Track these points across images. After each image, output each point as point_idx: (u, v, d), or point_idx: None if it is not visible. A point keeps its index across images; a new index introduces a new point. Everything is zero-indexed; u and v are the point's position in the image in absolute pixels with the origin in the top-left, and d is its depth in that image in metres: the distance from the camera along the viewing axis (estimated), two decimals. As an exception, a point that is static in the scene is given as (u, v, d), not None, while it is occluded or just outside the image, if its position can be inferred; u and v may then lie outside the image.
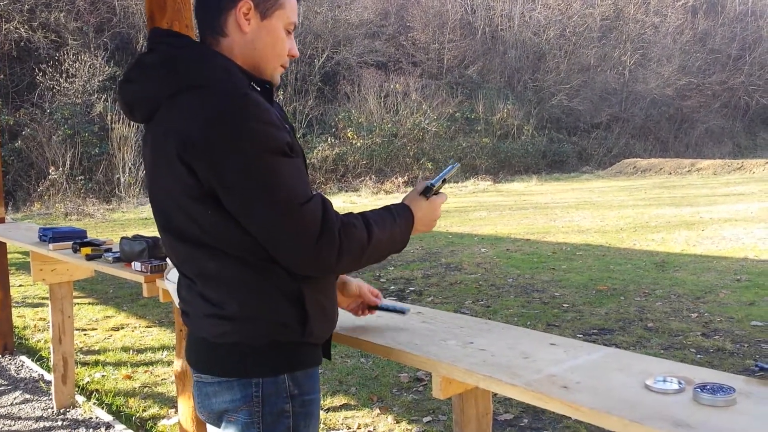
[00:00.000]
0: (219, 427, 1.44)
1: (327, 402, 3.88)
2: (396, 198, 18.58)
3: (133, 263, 2.74)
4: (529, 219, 12.48)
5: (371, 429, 3.50)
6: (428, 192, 1.52)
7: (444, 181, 1.56)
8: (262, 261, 1.32)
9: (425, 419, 3.60)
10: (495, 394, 3.00)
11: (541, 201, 16.17)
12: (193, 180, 1.28)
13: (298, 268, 1.33)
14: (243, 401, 1.37)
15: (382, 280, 7.24)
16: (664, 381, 1.32)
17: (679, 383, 1.31)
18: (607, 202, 15.20)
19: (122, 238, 2.88)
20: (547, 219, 12.39)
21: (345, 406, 3.82)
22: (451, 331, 1.72)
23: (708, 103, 34.57)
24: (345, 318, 1.85)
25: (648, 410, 1.20)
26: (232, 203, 1.27)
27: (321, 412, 3.69)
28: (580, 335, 5.01)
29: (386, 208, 1.48)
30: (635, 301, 6.02)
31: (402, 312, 1.80)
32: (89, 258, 3.03)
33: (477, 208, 14.63)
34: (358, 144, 22.78)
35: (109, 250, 3.08)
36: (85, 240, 3.32)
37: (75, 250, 3.18)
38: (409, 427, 3.49)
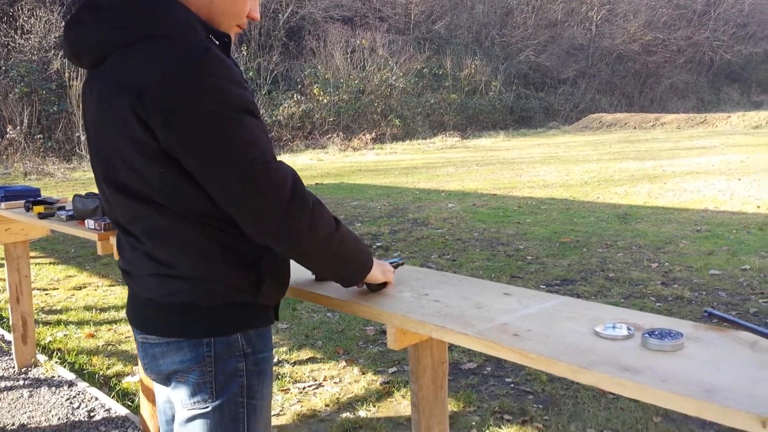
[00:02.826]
0: (168, 386, 1.39)
1: (293, 356, 3.89)
2: (364, 155, 18.49)
3: (86, 221, 2.68)
4: (495, 174, 12.54)
5: (337, 381, 3.53)
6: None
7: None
8: (218, 222, 1.26)
9: (390, 370, 3.64)
10: (457, 345, 3.03)
11: (508, 156, 16.25)
12: (148, 137, 1.19)
13: (266, 232, 1.23)
14: (194, 361, 1.31)
15: (348, 236, 7.24)
16: (614, 327, 1.33)
17: (629, 329, 1.32)
18: (573, 157, 15.33)
19: (75, 195, 2.80)
20: (513, 174, 12.46)
21: (311, 360, 3.84)
22: (407, 283, 1.71)
23: (673, 58, 34.83)
24: (302, 273, 1.83)
25: (596, 356, 1.21)
26: (193, 163, 1.19)
27: (287, 366, 3.72)
28: (543, 286, 5.09)
29: None
30: (597, 253, 6.11)
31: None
32: (42, 216, 2.95)
33: (444, 164, 14.64)
34: (325, 101, 22.52)
35: (62, 208, 3.00)
36: (38, 198, 3.23)
37: (27, 209, 3.10)
38: (375, 378, 3.53)
